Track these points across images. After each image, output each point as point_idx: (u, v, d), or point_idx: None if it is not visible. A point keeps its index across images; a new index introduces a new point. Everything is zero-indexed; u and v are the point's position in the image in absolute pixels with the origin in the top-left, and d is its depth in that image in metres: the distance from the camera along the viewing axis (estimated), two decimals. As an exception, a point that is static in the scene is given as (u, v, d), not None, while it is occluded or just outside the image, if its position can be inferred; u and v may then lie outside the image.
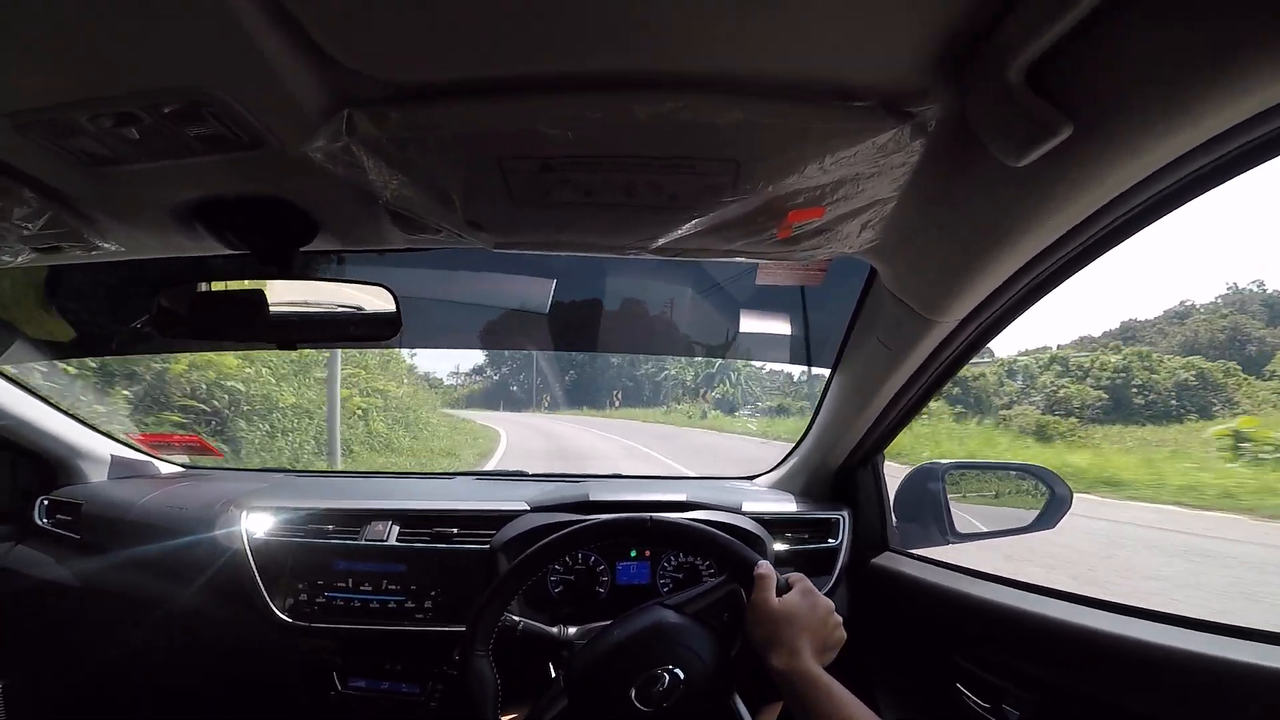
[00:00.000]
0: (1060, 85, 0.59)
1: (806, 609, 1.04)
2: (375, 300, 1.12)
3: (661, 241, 0.93)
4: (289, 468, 2.98)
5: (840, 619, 1.08)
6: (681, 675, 1.00)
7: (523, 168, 0.77)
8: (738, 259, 1.03)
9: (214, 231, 0.95)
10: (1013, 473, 1.79)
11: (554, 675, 1.11)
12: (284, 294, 1.08)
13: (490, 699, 1.03)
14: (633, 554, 1.53)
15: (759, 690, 1.05)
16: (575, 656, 1.08)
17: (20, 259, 0.99)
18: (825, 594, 1.50)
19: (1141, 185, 0.71)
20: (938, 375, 1.29)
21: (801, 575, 1.11)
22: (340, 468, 9.48)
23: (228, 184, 0.86)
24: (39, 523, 1.80)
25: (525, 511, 1.56)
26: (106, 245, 0.99)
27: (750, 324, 1.84)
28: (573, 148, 0.72)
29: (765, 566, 1.08)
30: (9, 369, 1.67)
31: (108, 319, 1.68)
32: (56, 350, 1.87)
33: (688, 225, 0.88)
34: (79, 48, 0.59)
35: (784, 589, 1.07)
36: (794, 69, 0.63)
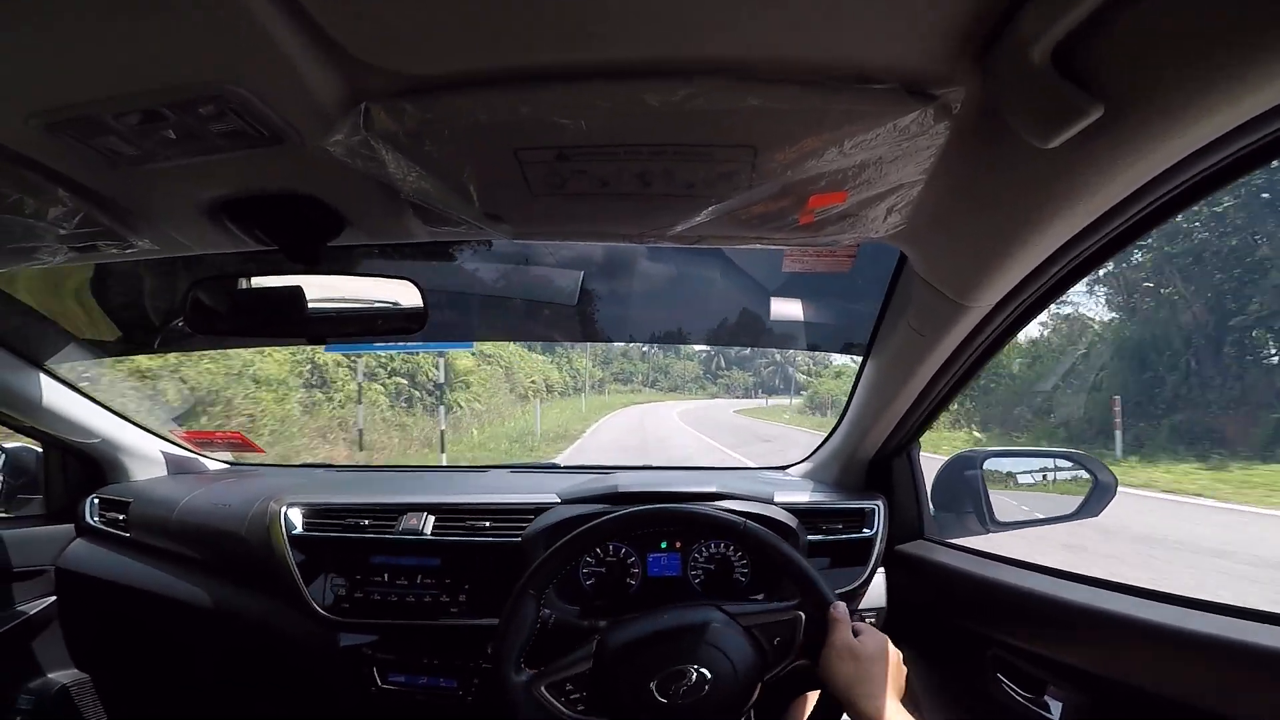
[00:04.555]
0: (1089, 66, 0.56)
1: (884, 650, 1.02)
2: (401, 294, 1.13)
3: (680, 229, 0.92)
4: (329, 463, 3.04)
5: (900, 656, 1.07)
6: (709, 678, 1.01)
7: (538, 158, 0.77)
8: (760, 245, 1.02)
9: (243, 228, 0.97)
10: (1054, 460, 1.75)
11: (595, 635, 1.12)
12: (313, 289, 1.10)
13: (517, 643, 1.07)
14: (663, 545, 1.52)
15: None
16: (616, 626, 1.10)
17: (59, 258, 1.02)
18: (860, 585, 1.50)
19: (1179, 166, 0.68)
20: (972, 362, 1.26)
21: (868, 626, 1.10)
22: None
23: (254, 180, 0.88)
24: (90, 521, 1.87)
25: (556, 504, 1.56)
26: (140, 243, 1.01)
27: (781, 311, 1.82)
28: (587, 137, 0.72)
29: (842, 609, 1.07)
30: (59, 369, 1.73)
31: (150, 317, 1.73)
32: (101, 349, 1.93)
33: (706, 212, 0.87)
34: (102, 46, 0.60)
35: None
36: (810, 53, 0.62)
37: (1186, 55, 0.53)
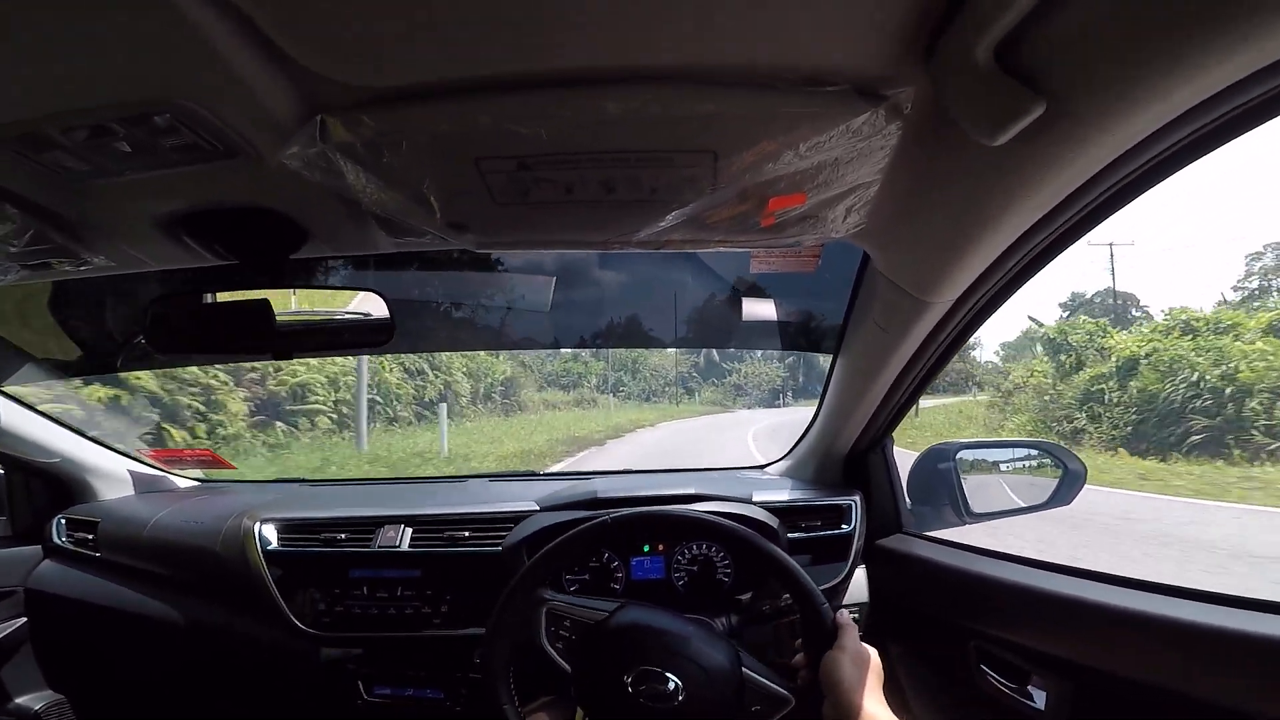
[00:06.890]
0: (1029, 64, 0.58)
1: (873, 656, 1.05)
2: (367, 306, 1.12)
3: (645, 234, 0.92)
4: (303, 479, 3.02)
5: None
6: (682, 698, 1.01)
7: (500, 167, 0.77)
8: (725, 248, 1.02)
9: (201, 243, 0.95)
10: (1025, 450, 1.77)
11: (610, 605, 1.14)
12: (277, 303, 1.08)
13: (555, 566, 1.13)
14: (645, 549, 1.53)
15: None
16: (635, 606, 1.12)
17: (10, 277, 1.00)
18: (841, 581, 1.51)
19: (1121, 160, 0.70)
20: (938, 356, 1.28)
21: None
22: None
23: (210, 194, 0.86)
24: (58, 541, 1.83)
25: (535, 511, 1.56)
26: (96, 260, 0.99)
27: (752, 312, 1.82)
28: (547, 145, 0.72)
29: (846, 615, 1.09)
30: (14, 390, 1.69)
31: (111, 336, 1.69)
32: (60, 369, 1.88)
33: (670, 217, 0.87)
34: (46, 62, 0.59)
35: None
36: (763, 57, 0.63)
37: (1118, 52, 0.55)
